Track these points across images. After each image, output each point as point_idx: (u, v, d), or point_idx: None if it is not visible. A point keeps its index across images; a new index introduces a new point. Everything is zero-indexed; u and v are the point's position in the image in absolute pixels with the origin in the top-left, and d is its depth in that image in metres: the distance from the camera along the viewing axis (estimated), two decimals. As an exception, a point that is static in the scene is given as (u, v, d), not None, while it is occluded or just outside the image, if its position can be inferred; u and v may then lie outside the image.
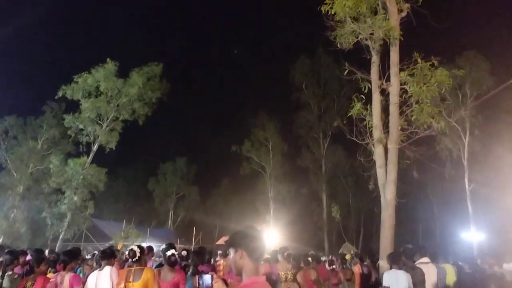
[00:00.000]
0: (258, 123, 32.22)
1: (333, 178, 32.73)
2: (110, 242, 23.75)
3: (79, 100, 23.42)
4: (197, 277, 2.67)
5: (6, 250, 5.91)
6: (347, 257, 11.08)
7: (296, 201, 32.55)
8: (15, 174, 26.23)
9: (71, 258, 5.17)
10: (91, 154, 23.59)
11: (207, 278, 2.62)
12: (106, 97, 23.60)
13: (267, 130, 31.89)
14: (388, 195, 9.32)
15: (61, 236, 22.32)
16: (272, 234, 25.32)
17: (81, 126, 23.51)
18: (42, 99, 27.78)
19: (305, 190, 33.11)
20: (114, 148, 24.27)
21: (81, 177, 22.13)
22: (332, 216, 28.69)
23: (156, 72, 24.91)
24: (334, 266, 8.37)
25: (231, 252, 2.40)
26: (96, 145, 23.75)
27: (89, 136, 23.71)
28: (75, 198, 22.07)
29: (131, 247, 5.01)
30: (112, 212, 34.81)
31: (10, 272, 5.35)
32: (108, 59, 23.47)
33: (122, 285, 4.77)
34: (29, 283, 4.98)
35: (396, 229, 9.32)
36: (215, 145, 39.27)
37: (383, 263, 8.59)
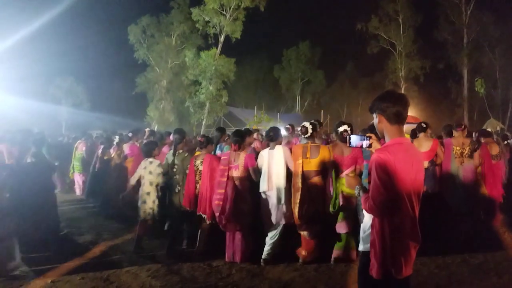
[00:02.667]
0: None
1: (476, 49, 28.63)
2: (245, 127, 25.86)
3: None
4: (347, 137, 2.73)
5: (174, 129, 6.31)
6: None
7: (430, 78, 29.96)
8: (157, 70, 29.25)
9: (243, 138, 5.20)
10: (219, 46, 24.61)
11: (354, 138, 2.67)
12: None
13: (397, 2, 28.56)
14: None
15: (203, 123, 24.98)
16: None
17: (207, 18, 24.27)
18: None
19: (441, 65, 29.95)
20: (239, 37, 24.81)
21: (213, 68, 23.58)
22: (475, 92, 25.83)
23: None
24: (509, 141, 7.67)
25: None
26: (222, 36, 24.54)
27: (215, 28, 24.50)
28: (211, 87, 23.91)
29: (302, 123, 5.14)
30: (243, 100, 37.10)
31: (180, 151, 5.76)
32: None
33: (300, 161, 4.89)
34: (198, 161, 5.40)
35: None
36: (339, 25, 36.98)
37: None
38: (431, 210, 5.37)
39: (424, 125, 6.34)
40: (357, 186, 2.57)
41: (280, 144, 5.31)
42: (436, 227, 5.47)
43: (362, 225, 2.70)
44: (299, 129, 5.60)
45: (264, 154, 5.18)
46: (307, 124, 5.09)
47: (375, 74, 34.02)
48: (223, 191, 4.97)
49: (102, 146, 8.74)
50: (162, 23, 29.57)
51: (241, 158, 5.05)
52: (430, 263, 4.79)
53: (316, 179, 4.89)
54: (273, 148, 5.16)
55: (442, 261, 4.93)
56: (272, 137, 5.20)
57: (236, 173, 5.04)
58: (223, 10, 24.21)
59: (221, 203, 4.92)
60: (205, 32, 25.00)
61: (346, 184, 4.57)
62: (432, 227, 5.00)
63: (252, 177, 5.05)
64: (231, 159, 5.11)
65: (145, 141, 7.76)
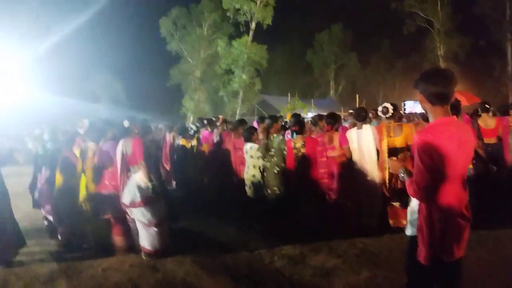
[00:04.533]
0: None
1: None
2: (279, 114, 25.77)
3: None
4: None
5: (259, 117, 6.69)
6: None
7: (471, 57, 28.61)
8: (190, 61, 29.54)
9: (335, 120, 5.65)
10: (251, 33, 24.53)
11: None
12: (255, -29, 23.28)
13: (433, -23, 27.35)
14: None
15: (237, 111, 25.11)
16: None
17: (237, 6, 24.17)
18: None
19: (483, 42, 28.51)
20: (270, 23, 24.59)
21: (245, 56, 23.56)
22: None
23: None
24: None
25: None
26: (253, 23, 24.41)
27: (246, 15, 24.38)
28: (244, 76, 23.95)
29: (383, 104, 5.50)
30: (276, 87, 36.82)
31: (274, 135, 5.78)
32: None
33: (385, 140, 5.27)
34: (298, 144, 5.42)
35: None
36: (371, 5, 35.67)
37: None
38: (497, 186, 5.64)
39: (487, 106, 6.68)
40: (401, 170, 2.50)
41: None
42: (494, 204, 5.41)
43: (409, 208, 2.65)
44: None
45: (353, 134, 5.58)
46: (387, 104, 5.43)
47: (411, 54, 32.83)
48: (325, 170, 5.49)
49: (168, 135, 9.04)
50: (192, 14, 29.68)
51: (335, 139, 5.54)
52: (480, 247, 4.61)
53: (401, 156, 5.05)
54: (360, 127, 5.55)
55: (492, 246, 4.74)
56: (363, 117, 5.63)
57: (333, 153, 5.52)
58: (253, -3, 24.04)
59: (326, 181, 5.48)
60: (236, 20, 24.91)
61: (390, 168, 4.51)
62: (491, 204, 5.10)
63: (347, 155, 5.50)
64: (325, 140, 5.58)
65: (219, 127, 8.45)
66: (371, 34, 37.56)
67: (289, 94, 27.76)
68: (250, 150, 5.77)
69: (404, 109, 20.07)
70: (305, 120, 8.37)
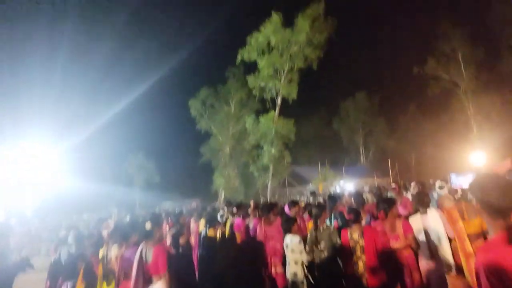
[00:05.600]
0: (441, 34, 28.21)
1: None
2: (310, 185, 25.41)
3: (256, 60, 24.79)
4: None
5: (317, 203, 6.10)
6: None
7: (505, 111, 27.90)
8: (220, 138, 30.27)
9: (390, 205, 4.88)
10: (277, 108, 25.04)
11: None
12: (278, 50, 24.31)
13: (453, 40, 27.72)
14: None
15: (269, 185, 24.89)
16: (478, 156, 22.42)
17: (262, 84, 25.02)
18: (223, 67, 30.53)
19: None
20: (295, 98, 25.18)
21: (273, 130, 23.87)
22: None
23: (320, 11, 24.10)
24: None
25: None
26: (279, 98, 25.04)
27: (271, 92, 25.11)
28: (273, 150, 24.05)
29: (437, 182, 4.98)
30: (305, 157, 36.82)
31: (324, 225, 5.27)
32: (272, 12, 23.86)
33: (461, 223, 4.59)
34: (355, 234, 4.73)
35: None
36: (394, 70, 36.42)
37: None
38: None
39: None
40: None
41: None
42: None
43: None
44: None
45: (417, 220, 4.89)
46: (440, 182, 5.07)
47: (440, 114, 32.47)
48: (390, 263, 4.62)
49: (193, 224, 8.54)
50: (220, 93, 30.95)
51: (399, 227, 4.73)
52: None
53: (480, 242, 4.41)
54: (424, 212, 4.89)
55: None
56: (427, 204, 4.97)
57: (397, 244, 4.68)
58: (277, 74, 24.87)
59: (391, 277, 4.58)
60: (262, 96, 25.67)
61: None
62: None
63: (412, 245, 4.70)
64: (387, 229, 4.78)
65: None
66: (396, 98, 37.85)
67: (319, 164, 27.59)
68: (291, 243, 5.16)
69: (451, 183, 18.27)
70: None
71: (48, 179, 21.92)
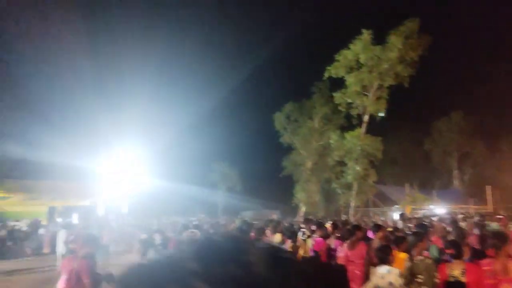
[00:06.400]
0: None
1: None
2: (397, 206, 24.24)
3: (343, 77, 24.50)
4: None
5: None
6: None
7: None
8: (302, 152, 30.32)
9: (503, 242, 4.13)
10: (363, 125, 24.40)
11: None
12: (367, 67, 23.78)
13: None
14: None
15: (352, 204, 24.23)
16: None
17: (349, 100, 24.58)
18: (308, 82, 30.64)
19: None
20: (384, 115, 24.35)
21: (359, 148, 23.27)
22: None
23: (414, 29, 23.14)
24: None
25: None
26: (366, 115, 24.39)
27: (358, 109, 24.56)
28: (357, 168, 23.42)
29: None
30: (391, 176, 35.16)
31: (421, 256, 4.87)
32: (363, 30, 23.49)
33: None
34: (456, 271, 4.24)
35: None
36: (495, 89, 33.32)
37: None
38: None
39: None
40: None
41: None
42: None
43: None
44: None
45: None
46: None
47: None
48: None
49: (269, 236, 8.28)
50: (304, 108, 31.06)
51: None
52: None
53: None
54: None
55: None
56: None
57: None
58: (365, 91, 24.30)
59: None
60: (348, 112, 25.21)
61: None
62: None
63: None
64: (497, 270, 4.08)
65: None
66: (497, 119, 34.48)
67: (406, 185, 26.22)
68: (389, 275, 4.62)
69: None
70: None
71: (141, 181, 23.78)
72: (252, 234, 7.98)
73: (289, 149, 31.45)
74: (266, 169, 36.56)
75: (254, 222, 15.90)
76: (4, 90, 27.12)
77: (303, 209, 29.28)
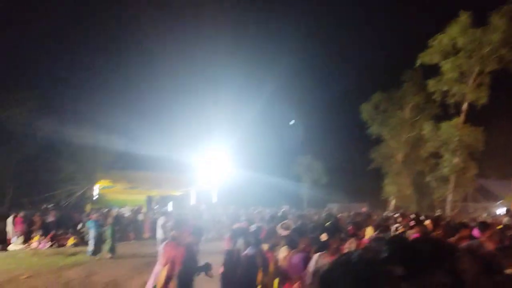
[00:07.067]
0: None
1: None
2: (500, 202, 22.43)
3: (437, 63, 23.11)
4: None
5: None
6: None
7: None
8: (392, 144, 29.19)
9: None
10: (462, 114, 22.84)
11: None
12: (466, 52, 22.16)
13: None
14: None
15: (448, 199, 22.91)
16: None
17: (445, 88, 23.14)
18: (397, 70, 29.21)
19: None
20: (485, 103, 22.54)
21: (457, 139, 21.88)
22: None
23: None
24: None
25: None
26: (465, 104, 22.79)
27: (455, 97, 23.03)
28: (455, 160, 22.06)
29: None
30: (493, 169, 32.28)
31: None
32: (461, 12, 21.89)
33: None
34: None
35: None
36: None
37: None
38: None
39: None
40: None
41: None
42: None
43: None
44: None
45: None
46: None
47: None
48: None
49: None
50: (393, 97, 29.77)
51: None
52: None
53: None
54: None
55: None
56: None
57: None
58: (464, 78, 22.67)
59: None
60: (443, 101, 23.74)
61: None
62: None
63: None
64: None
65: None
66: None
67: (512, 179, 24.10)
68: None
69: None
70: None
71: (229, 173, 24.93)
72: (350, 228, 7.91)
73: (377, 140, 30.48)
74: (353, 161, 35.92)
75: (341, 215, 15.90)
76: (110, 90, 30.21)
77: (393, 202, 28.35)
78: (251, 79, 39.97)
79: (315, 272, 3.89)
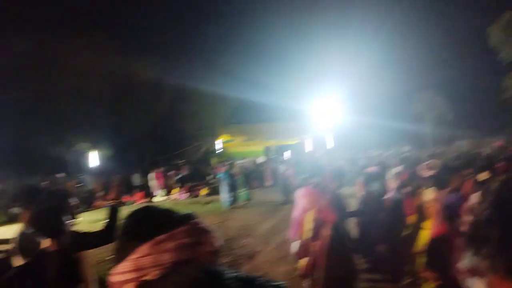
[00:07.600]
0: None
1: None
2: None
3: None
4: None
5: None
6: None
7: None
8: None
9: None
10: None
11: None
12: None
13: None
14: None
15: None
16: None
17: None
18: None
19: None
20: None
21: None
22: None
23: None
24: None
25: None
26: None
27: None
28: None
29: None
30: None
31: None
32: None
33: None
34: None
35: None
36: None
37: None
38: None
39: None
40: None
41: None
42: None
43: None
44: None
45: None
46: None
47: None
48: None
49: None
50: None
51: None
52: None
53: None
54: None
55: None
56: None
57: None
58: None
59: None
60: None
61: None
62: None
63: None
64: None
65: None
66: None
67: None
68: None
69: None
70: None
71: (343, 117, 24.33)
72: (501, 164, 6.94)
73: (509, 67, 26.79)
74: (482, 93, 32.14)
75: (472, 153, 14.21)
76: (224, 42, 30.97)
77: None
78: (368, 17, 37.04)
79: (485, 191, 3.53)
